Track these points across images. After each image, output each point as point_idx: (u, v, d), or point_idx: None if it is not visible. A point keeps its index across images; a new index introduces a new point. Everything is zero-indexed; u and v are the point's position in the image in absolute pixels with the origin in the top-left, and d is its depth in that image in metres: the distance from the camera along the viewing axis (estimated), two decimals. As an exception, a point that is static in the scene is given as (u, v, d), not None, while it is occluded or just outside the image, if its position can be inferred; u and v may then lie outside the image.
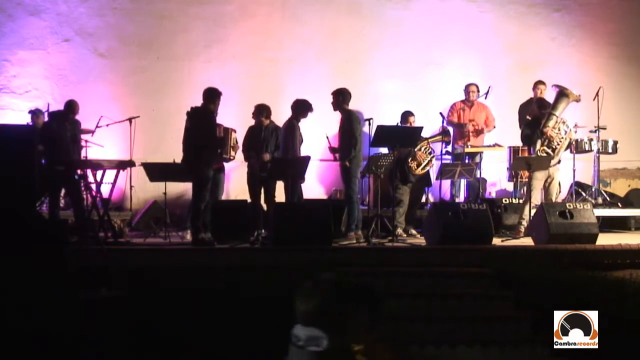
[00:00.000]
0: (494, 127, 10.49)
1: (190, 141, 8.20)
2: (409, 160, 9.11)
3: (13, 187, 6.89)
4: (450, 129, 10.08)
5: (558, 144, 8.94)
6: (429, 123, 10.04)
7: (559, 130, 8.95)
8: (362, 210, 9.37)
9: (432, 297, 6.82)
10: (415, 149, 9.11)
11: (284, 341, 2.26)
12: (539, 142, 8.93)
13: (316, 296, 2.29)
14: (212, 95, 8.32)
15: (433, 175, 9.69)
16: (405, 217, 9.18)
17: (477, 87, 10.33)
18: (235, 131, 9.35)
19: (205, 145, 8.19)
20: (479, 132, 10.27)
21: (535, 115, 9.23)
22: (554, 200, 9.02)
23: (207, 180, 8.15)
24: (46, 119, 9.56)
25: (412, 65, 11.33)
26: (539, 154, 8.92)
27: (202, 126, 8.19)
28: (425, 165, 9.23)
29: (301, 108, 8.86)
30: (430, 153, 9.27)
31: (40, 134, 8.66)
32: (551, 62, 11.45)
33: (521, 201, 9.31)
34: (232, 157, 9.35)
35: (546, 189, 9.03)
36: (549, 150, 8.92)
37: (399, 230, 8.83)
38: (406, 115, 9.56)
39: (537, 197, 8.96)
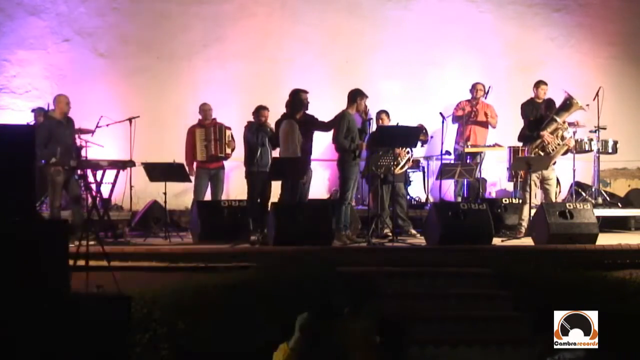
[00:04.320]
0: (496, 123, 10.50)
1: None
2: None
3: (13, 187, 6.87)
4: (454, 127, 10.15)
5: (553, 150, 8.93)
6: (429, 123, 10.04)
7: (556, 136, 8.95)
8: (362, 210, 9.35)
9: (432, 297, 6.82)
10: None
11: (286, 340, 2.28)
12: (534, 144, 8.93)
13: None
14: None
15: (428, 176, 9.73)
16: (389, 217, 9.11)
17: (483, 85, 10.33)
18: (230, 128, 9.35)
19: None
20: (482, 124, 10.28)
21: (539, 116, 9.24)
22: (552, 200, 9.02)
23: None
24: None
25: (412, 65, 11.33)
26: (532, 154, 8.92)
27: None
28: (404, 164, 9.18)
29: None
30: (407, 152, 9.21)
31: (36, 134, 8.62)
32: (551, 62, 11.45)
33: (520, 201, 9.31)
34: (228, 155, 9.38)
35: (543, 189, 9.03)
36: (542, 153, 8.92)
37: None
38: (379, 114, 9.45)
39: (536, 197, 8.95)
